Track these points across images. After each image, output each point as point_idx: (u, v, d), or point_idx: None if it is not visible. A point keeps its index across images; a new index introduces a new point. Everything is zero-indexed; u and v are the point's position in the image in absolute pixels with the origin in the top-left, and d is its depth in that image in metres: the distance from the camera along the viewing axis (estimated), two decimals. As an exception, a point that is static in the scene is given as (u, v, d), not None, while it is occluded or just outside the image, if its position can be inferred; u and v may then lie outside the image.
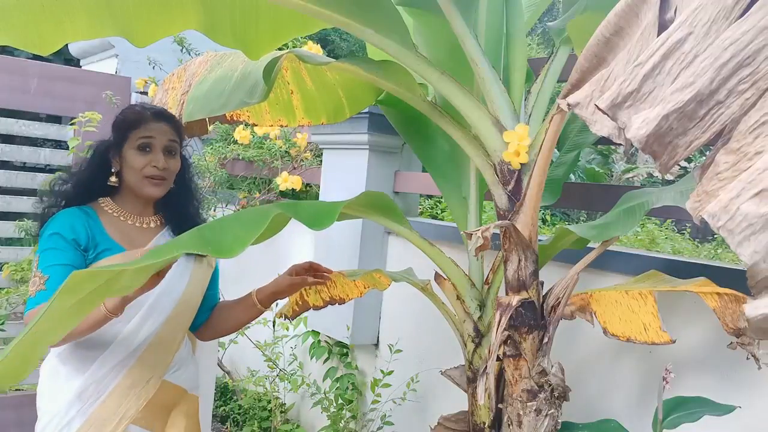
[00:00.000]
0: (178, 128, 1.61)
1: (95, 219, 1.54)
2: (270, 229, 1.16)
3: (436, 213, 4.26)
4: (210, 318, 1.73)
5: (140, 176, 1.54)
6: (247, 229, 1.12)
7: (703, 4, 0.81)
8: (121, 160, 1.55)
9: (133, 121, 1.55)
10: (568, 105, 0.99)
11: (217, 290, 1.78)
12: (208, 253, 1.12)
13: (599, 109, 0.88)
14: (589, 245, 1.74)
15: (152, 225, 1.63)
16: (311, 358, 2.91)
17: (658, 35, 0.87)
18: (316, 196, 3.15)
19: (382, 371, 2.56)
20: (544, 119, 1.50)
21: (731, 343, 1.31)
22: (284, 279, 1.62)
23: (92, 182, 1.59)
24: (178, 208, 1.65)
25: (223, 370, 3.50)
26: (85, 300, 1.07)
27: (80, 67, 4.06)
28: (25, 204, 3.21)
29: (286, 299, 1.92)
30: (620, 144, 0.88)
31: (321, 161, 2.99)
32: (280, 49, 1.60)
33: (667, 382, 1.29)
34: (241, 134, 3.06)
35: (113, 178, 1.58)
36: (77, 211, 1.53)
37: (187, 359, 1.70)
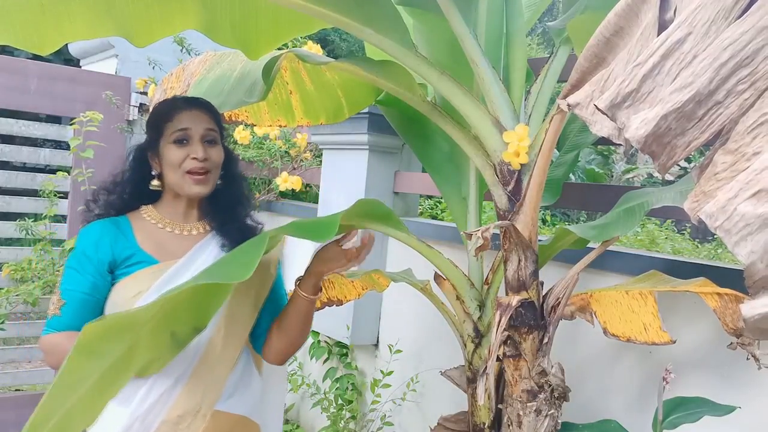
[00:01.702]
0: (216, 115, 1.49)
1: (127, 231, 1.44)
2: (270, 245, 1.18)
3: (436, 213, 4.27)
4: (268, 333, 1.50)
5: (181, 173, 1.41)
6: (250, 254, 1.11)
7: (703, 3, 0.81)
8: (160, 158, 1.44)
9: (165, 113, 1.44)
10: (568, 105, 0.99)
11: (282, 305, 1.53)
12: (219, 280, 1.07)
13: (598, 109, 0.88)
14: (589, 245, 1.74)
15: (194, 232, 1.48)
16: (311, 359, 2.91)
17: (658, 35, 0.87)
18: (316, 197, 3.15)
19: (381, 371, 2.56)
20: (544, 119, 1.50)
21: (731, 343, 1.31)
22: (315, 264, 1.42)
23: (135, 189, 1.49)
24: (225, 210, 1.50)
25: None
26: (119, 366, 1.03)
27: (80, 67, 4.06)
28: (25, 204, 3.21)
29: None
30: (620, 144, 0.88)
31: (321, 161, 2.99)
32: (279, 48, 1.60)
33: (667, 383, 1.29)
34: (240, 134, 3.06)
35: (155, 182, 1.46)
36: (108, 224, 1.43)
37: (247, 381, 1.50)
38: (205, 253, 1.46)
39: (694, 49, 0.81)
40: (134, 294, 1.38)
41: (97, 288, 1.39)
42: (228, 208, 1.50)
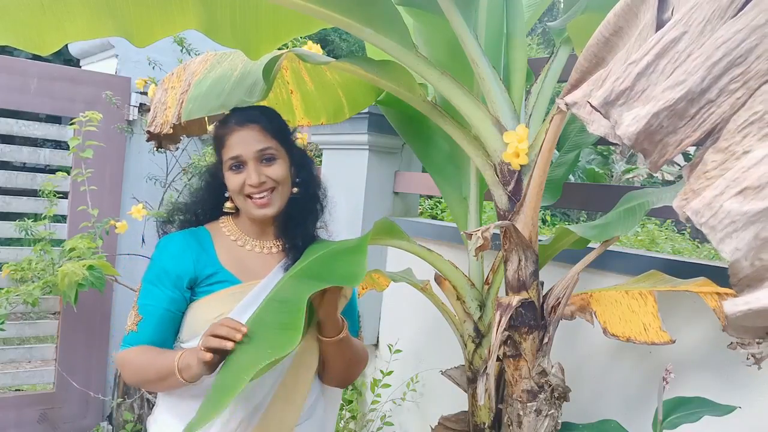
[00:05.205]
0: (271, 127, 1.42)
1: (208, 246, 1.41)
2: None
3: (436, 213, 4.27)
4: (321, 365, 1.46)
5: (242, 198, 1.39)
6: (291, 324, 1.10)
7: (699, 3, 0.81)
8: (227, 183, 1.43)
9: (219, 139, 1.43)
10: (566, 104, 0.99)
11: (355, 329, 1.48)
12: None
13: (592, 106, 0.87)
14: (589, 245, 1.74)
15: (273, 250, 1.45)
16: (311, 358, 2.90)
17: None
18: (316, 196, 3.15)
19: (381, 371, 2.56)
20: (544, 120, 1.50)
21: (731, 343, 1.31)
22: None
23: (210, 207, 1.48)
24: (296, 226, 1.44)
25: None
26: None
27: (80, 67, 4.06)
28: (25, 204, 3.21)
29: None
30: (617, 144, 0.88)
31: (321, 161, 2.99)
32: (279, 48, 1.60)
33: (667, 383, 1.29)
34: (241, 134, 3.05)
35: (228, 204, 1.45)
36: (190, 238, 1.41)
37: (316, 405, 1.47)
38: None
39: (688, 48, 0.80)
40: (216, 315, 1.34)
41: (175, 302, 1.36)
42: (299, 223, 1.45)
